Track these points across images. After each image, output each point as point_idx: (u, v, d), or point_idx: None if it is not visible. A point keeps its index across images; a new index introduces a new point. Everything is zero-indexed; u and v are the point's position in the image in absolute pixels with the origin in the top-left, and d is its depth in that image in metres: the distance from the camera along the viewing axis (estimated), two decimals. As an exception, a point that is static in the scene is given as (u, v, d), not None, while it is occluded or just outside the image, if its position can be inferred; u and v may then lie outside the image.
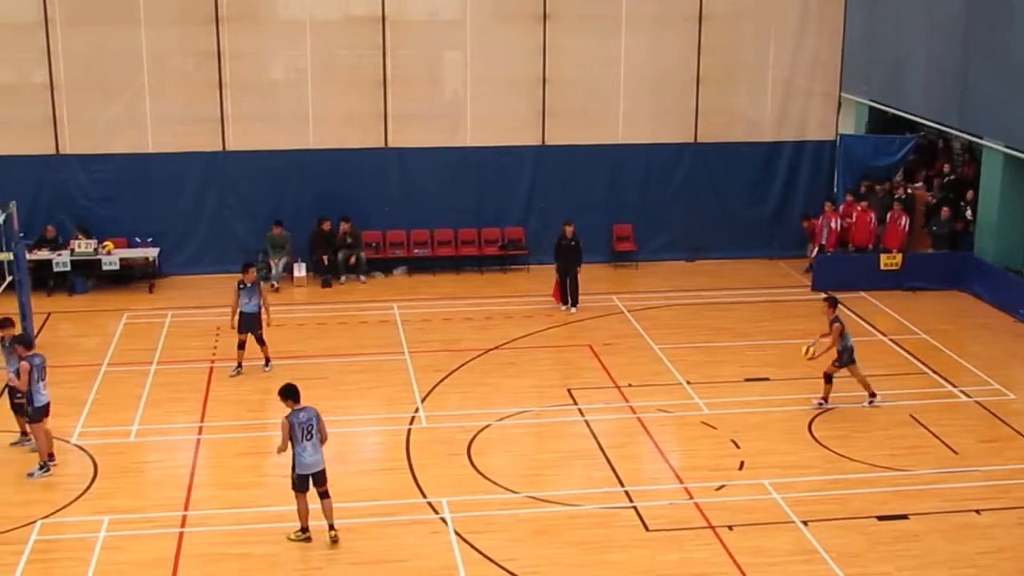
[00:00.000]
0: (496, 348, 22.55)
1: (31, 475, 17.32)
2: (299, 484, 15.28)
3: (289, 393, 15.30)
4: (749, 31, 28.15)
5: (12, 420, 18.45)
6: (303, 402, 15.35)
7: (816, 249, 26.70)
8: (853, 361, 19.67)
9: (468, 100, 27.74)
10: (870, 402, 19.83)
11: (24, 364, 17.22)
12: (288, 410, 15.28)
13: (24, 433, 18.14)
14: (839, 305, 20.14)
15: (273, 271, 26.24)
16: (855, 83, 29.93)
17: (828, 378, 19.70)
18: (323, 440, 15.36)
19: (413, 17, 27.20)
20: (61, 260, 25.50)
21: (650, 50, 27.86)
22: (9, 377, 17.71)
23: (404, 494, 16.74)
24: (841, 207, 27.05)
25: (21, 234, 22.18)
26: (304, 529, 15.42)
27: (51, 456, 17.61)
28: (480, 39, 27.37)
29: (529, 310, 24.74)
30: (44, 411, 17.47)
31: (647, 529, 15.80)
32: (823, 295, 20.92)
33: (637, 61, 27.76)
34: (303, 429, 15.12)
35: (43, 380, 17.41)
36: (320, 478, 15.33)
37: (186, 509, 16.42)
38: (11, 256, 22.04)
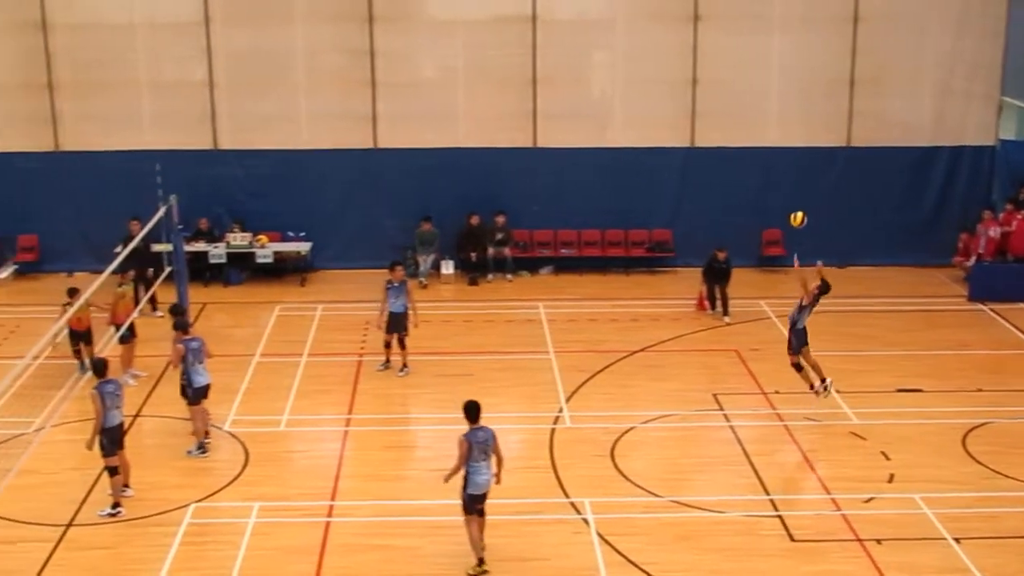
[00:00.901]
0: (641, 350, 22.46)
1: (189, 453, 17.96)
2: (470, 504, 14.67)
3: (472, 411, 14.67)
4: (905, 32, 27.44)
5: (172, 406, 18.98)
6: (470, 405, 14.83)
7: (973, 258, 25.99)
8: (805, 343, 19.33)
9: (616, 100, 27.69)
10: (824, 386, 19.43)
11: (179, 347, 17.85)
12: (466, 428, 14.63)
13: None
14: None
15: (421, 267, 26.54)
16: (1018, 86, 29.00)
17: (798, 367, 19.46)
18: (499, 461, 14.79)
19: (562, 16, 27.19)
20: (217, 252, 26.19)
21: (802, 51, 27.41)
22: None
23: (547, 493, 16.77)
24: (1000, 215, 26.29)
25: (180, 226, 22.82)
26: (480, 561, 14.73)
27: (206, 435, 18.25)
28: (629, 39, 27.26)
29: (675, 313, 24.58)
30: (202, 392, 18.09)
31: (792, 539, 15.56)
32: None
33: (788, 62, 27.36)
34: (480, 448, 14.55)
35: (201, 363, 18.03)
36: (484, 499, 14.81)
37: (332, 499, 16.71)
38: (171, 247, 22.72)
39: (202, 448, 18.01)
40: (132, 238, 22.54)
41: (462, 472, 14.58)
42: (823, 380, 19.52)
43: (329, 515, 16.25)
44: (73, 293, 19.66)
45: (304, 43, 26.90)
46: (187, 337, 18.09)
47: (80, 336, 20.71)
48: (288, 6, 26.78)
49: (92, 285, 18.74)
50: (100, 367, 16.50)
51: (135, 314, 21.14)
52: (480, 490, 14.65)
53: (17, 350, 20.35)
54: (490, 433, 14.66)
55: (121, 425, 16.46)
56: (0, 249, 27.23)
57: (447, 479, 14.73)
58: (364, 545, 15.45)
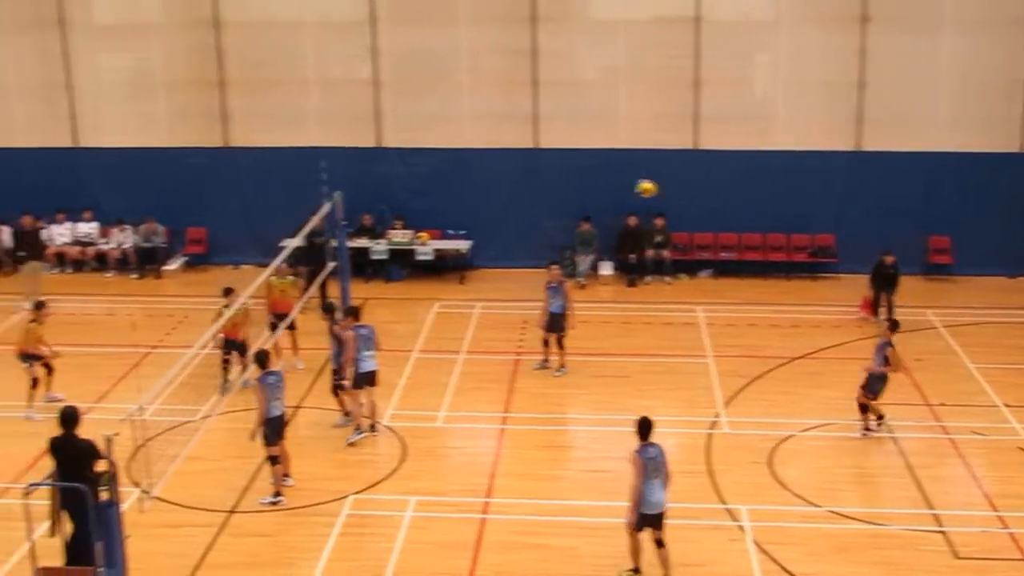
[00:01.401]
0: (802, 357, 22.09)
1: (350, 441, 18.41)
2: (641, 523, 14.26)
3: (644, 428, 14.37)
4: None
5: (334, 398, 19.35)
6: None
7: None
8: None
9: (778, 102, 27.29)
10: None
11: (350, 333, 18.34)
12: (637, 445, 14.35)
13: (346, 414, 18.99)
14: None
15: (579, 268, 26.54)
16: None
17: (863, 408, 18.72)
18: (668, 479, 14.40)
19: (725, 17, 26.86)
20: (379, 249, 26.60)
21: (973, 53, 26.53)
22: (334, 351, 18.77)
23: (703, 498, 16.60)
24: None
25: (344, 222, 23.22)
26: (636, 570, 14.55)
27: (372, 427, 18.66)
28: (793, 40, 26.82)
29: (837, 320, 24.11)
30: (367, 379, 18.52)
31: (956, 556, 15.11)
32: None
33: (959, 65, 26.54)
34: (652, 466, 14.20)
35: (369, 350, 18.49)
36: (660, 521, 14.30)
37: (488, 496, 16.81)
38: (335, 243, 23.13)
39: (360, 432, 18.48)
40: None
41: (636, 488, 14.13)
42: (879, 417, 18.90)
43: (485, 512, 16.36)
44: (228, 293, 19.98)
45: (467, 43, 27.16)
46: (357, 324, 18.56)
47: (234, 346, 20.30)
48: (452, 7, 27.08)
49: (252, 284, 19.12)
50: (263, 359, 16.89)
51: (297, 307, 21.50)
52: (653, 510, 14.20)
53: (185, 339, 20.89)
54: (659, 449, 14.34)
55: (282, 416, 16.82)
56: (170, 241, 28.06)
57: (634, 504, 14.16)
58: (520, 543, 15.50)
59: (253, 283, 19.06)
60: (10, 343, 20.46)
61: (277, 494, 16.61)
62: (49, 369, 19.87)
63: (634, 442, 14.39)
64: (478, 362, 21.80)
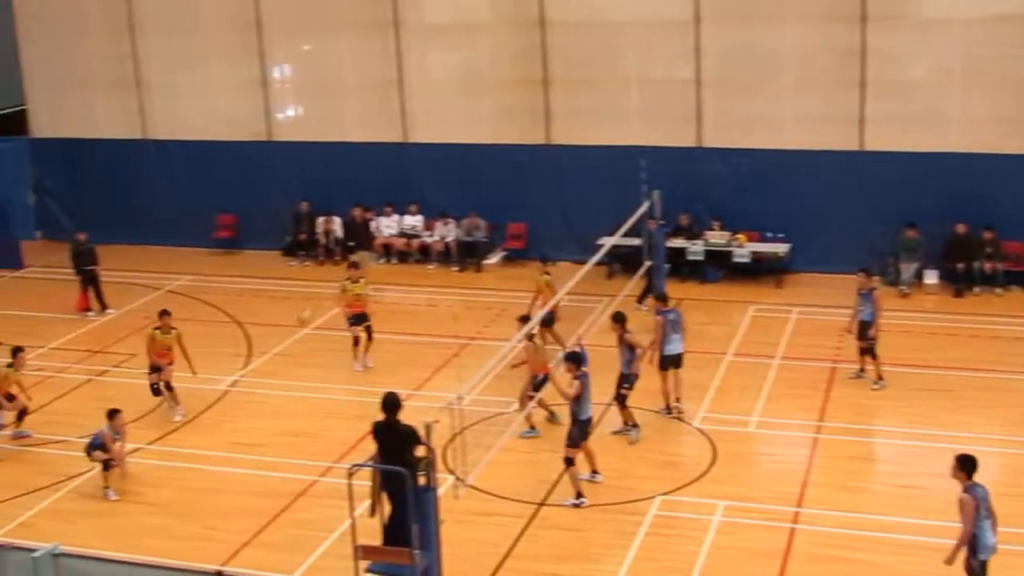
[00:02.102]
0: None
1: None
2: (980, 570, 13.12)
3: (968, 465, 13.21)
4: None
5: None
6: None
7: None
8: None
9: None
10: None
11: (659, 318, 18.97)
12: (962, 485, 13.21)
13: (629, 424, 18.92)
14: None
15: (903, 275, 25.60)
16: None
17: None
18: (995, 520, 13.22)
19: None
20: (695, 249, 26.46)
21: None
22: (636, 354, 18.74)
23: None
24: None
25: (662, 222, 23.24)
26: None
27: (668, 409, 19.31)
28: None
29: None
30: (672, 360, 19.22)
31: None
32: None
33: None
34: (984, 505, 13.05)
35: (677, 332, 19.17)
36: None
37: (798, 505, 16.50)
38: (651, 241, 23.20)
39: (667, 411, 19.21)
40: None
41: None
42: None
43: (794, 521, 16.07)
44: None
45: (794, 43, 26.63)
46: (665, 308, 19.12)
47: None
48: (779, 6, 26.60)
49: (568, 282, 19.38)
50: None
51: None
52: (989, 553, 13.10)
53: (503, 332, 21.40)
54: (985, 491, 13.16)
55: (590, 419, 16.95)
56: (491, 235, 28.80)
57: (954, 552, 13.11)
58: (830, 556, 15.18)
59: (569, 281, 19.37)
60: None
61: (579, 495, 16.75)
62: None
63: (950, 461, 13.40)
64: (793, 368, 21.39)
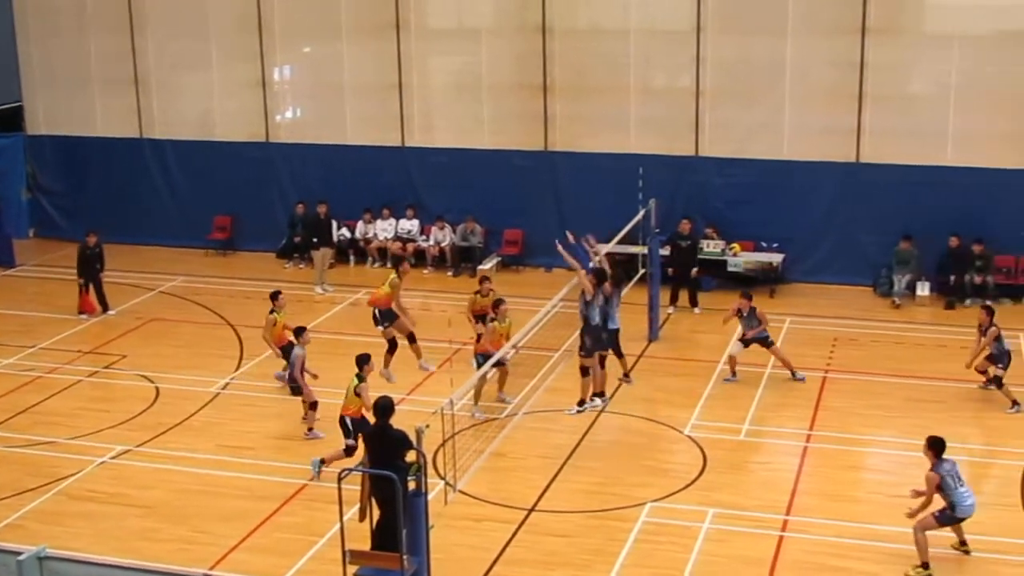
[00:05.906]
0: None
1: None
2: (948, 521, 14.99)
3: (937, 445, 14.97)
4: None
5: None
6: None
7: None
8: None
9: None
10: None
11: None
12: (931, 463, 14.97)
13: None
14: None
15: (895, 287, 25.65)
16: None
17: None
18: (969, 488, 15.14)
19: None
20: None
21: None
22: None
23: (1015, 533, 15.80)
24: None
25: (657, 230, 23.28)
26: (925, 565, 14.78)
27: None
28: None
29: None
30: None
31: None
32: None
33: None
34: (952, 476, 14.80)
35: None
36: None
37: (787, 513, 16.55)
38: (646, 250, 23.22)
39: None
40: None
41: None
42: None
43: (783, 529, 16.11)
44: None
45: (794, 54, 26.61)
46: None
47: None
48: (781, 18, 26.53)
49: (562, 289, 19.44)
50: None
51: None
52: (967, 513, 14.88)
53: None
54: (955, 463, 15.05)
55: (599, 327, 17.97)
56: (487, 240, 28.83)
57: (917, 511, 14.95)
58: (819, 564, 15.21)
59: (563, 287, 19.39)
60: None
61: (582, 402, 17.72)
62: None
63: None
64: (785, 377, 21.42)
